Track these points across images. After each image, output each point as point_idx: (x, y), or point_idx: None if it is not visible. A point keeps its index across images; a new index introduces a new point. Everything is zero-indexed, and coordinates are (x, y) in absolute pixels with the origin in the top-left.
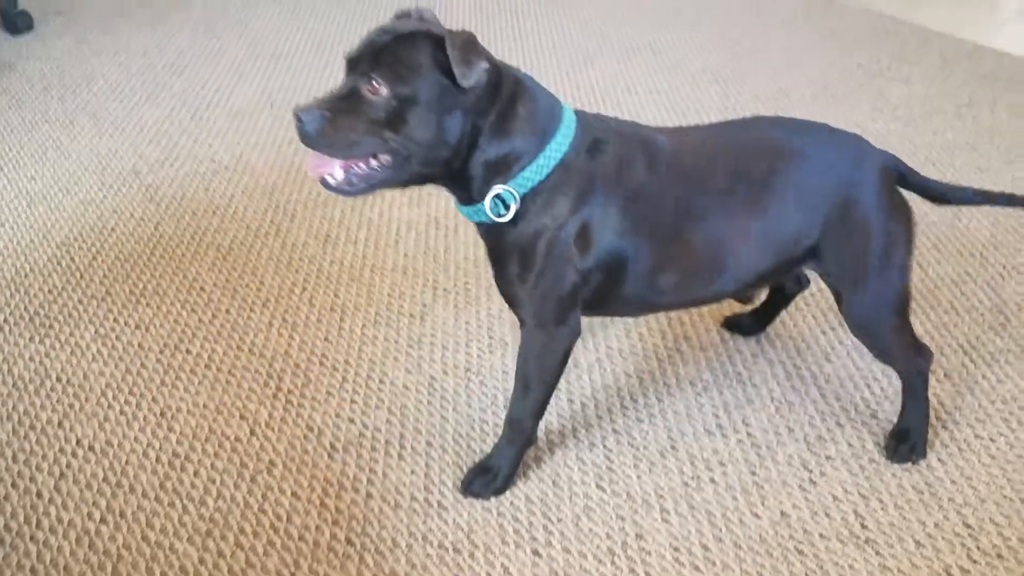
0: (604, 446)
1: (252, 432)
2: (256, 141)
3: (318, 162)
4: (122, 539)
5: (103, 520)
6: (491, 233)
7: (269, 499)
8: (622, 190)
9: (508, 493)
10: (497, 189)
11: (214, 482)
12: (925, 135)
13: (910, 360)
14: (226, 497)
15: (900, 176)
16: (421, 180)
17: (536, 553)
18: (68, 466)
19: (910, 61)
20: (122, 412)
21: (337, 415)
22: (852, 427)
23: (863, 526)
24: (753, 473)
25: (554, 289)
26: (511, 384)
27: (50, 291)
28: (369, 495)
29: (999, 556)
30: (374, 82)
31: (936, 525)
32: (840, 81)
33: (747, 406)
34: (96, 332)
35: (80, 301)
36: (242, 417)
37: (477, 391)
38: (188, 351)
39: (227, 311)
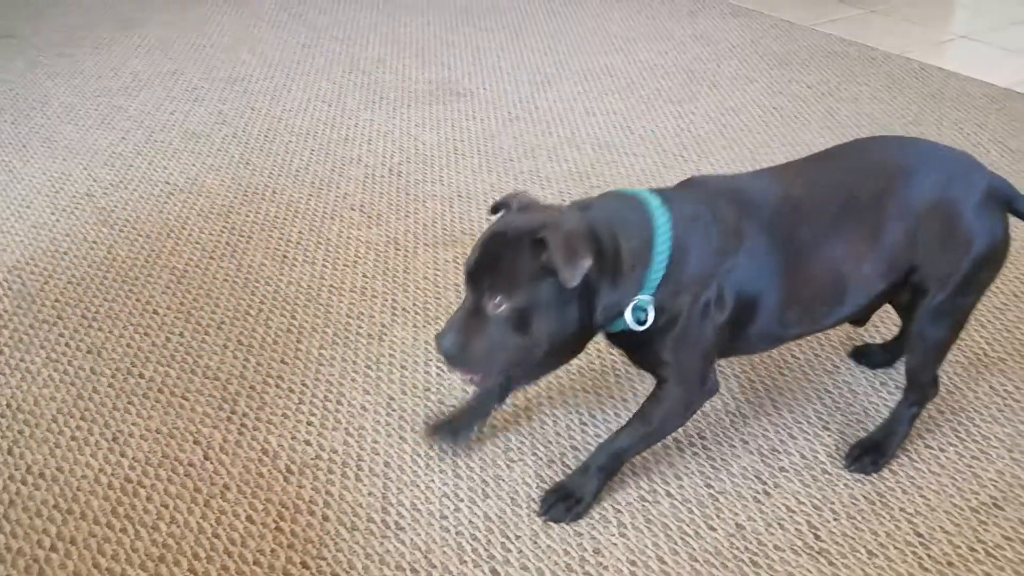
0: (563, 463)
1: (206, 456)
2: (211, 163)
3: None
4: (73, 566)
5: (53, 548)
6: (630, 335)
7: (223, 523)
8: (739, 245)
9: (467, 512)
10: (634, 301)
11: (167, 507)
12: None
13: (929, 385)
14: (179, 522)
15: (1007, 200)
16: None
17: (494, 572)
18: (18, 493)
19: (858, 81)
20: (73, 438)
21: (293, 437)
22: (804, 439)
23: (816, 537)
24: (708, 486)
25: (697, 347)
26: None
27: (0, 315)
28: (325, 517)
29: (950, 564)
30: (495, 299)
31: (888, 535)
32: (790, 101)
33: (702, 419)
34: (47, 357)
35: (31, 325)
36: (196, 441)
37: (436, 411)
38: (141, 375)
39: (181, 334)
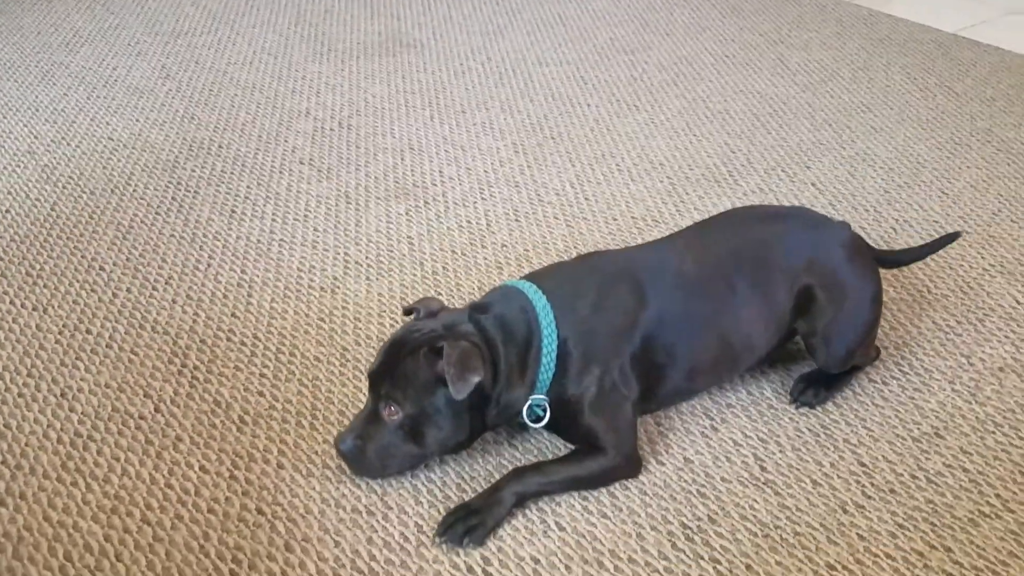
0: None
1: (157, 409)
2: (155, 118)
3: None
4: (23, 520)
5: (2, 503)
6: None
7: (176, 474)
8: (637, 323)
9: None
10: (528, 402)
11: (118, 460)
12: (823, 98)
13: (867, 356)
14: (131, 474)
15: (866, 248)
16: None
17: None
18: None
19: (809, 28)
20: (20, 394)
21: (246, 389)
22: (751, 376)
23: (762, 468)
24: (658, 424)
25: (620, 419)
26: None
27: None
28: (280, 465)
29: (892, 491)
30: (390, 406)
31: (832, 465)
32: (742, 49)
33: None
34: None
35: None
36: (146, 395)
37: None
38: (88, 331)
39: (128, 290)
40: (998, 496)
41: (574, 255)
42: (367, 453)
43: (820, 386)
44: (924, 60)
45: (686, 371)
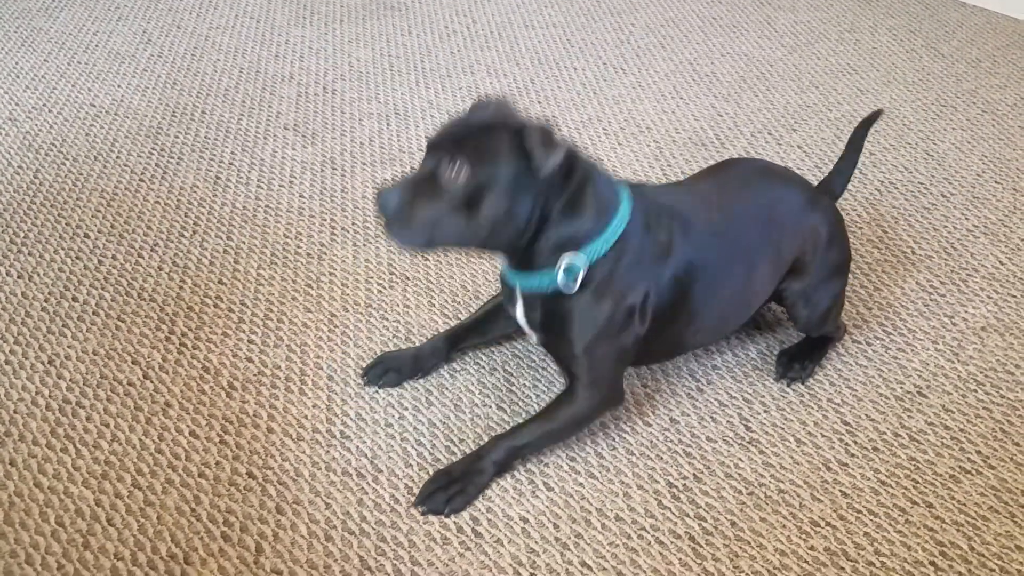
0: (504, 370)
1: (146, 376)
2: (137, 83)
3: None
4: (13, 487)
5: None
6: (547, 300)
7: (166, 439)
8: (672, 258)
9: (412, 419)
10: (568, 258)
11: (108, 426)
12: (809, 60)
13: (833, 331)
14: (121, 440)
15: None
16: (482, 249)
17: None
18: None
19: None
20: (7, 362)
21: (234, 355)
22: (736, 338)
23: (747, 428)
24: (644, 386)
25: (611, 353)
26: (413, 317)
27: None
28: (270, 429)
29: (875, 449)
30: (456, 164)
31: (816, 424)
32: (729, 11)
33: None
34: None
35: None
36: (134, 361)
37: (379, 325)
38: (75, 299)
39: (114, 257)
40: (979, 452)
41: None
42: (414, 214)
43: (804, 359)
44: (910, 21)
45: (696, 321)
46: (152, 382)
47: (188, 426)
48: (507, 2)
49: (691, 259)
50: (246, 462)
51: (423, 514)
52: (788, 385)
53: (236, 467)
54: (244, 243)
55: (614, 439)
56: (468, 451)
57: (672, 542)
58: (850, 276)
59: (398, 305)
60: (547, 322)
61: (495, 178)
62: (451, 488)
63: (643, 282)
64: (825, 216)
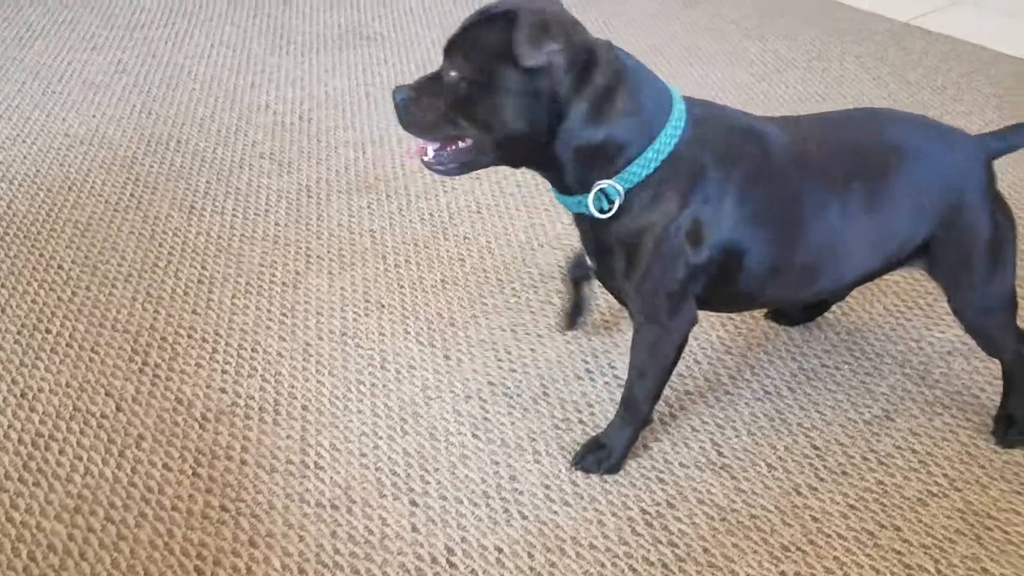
0: (479, 397)
1: (118, 408)
2: (112, 113)
3: (421, 140)
4: None
5: None
6: (595, 226)
7: (139, 472)
8: (736, 184)
9: (386, 448)
10: (602, 184)
11: (80, 459)
12: (778, 88)
13: (1015, 351)
14: (94, 473)
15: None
16: (508, 163)
17: (413, 503)
18: None
19: (766, 18)
20: None
21: (208, 386)
22: (708, 363)
23: (719, 453)
24: None
25: (663, 285)
26: (388, 345)
27: None
28: (244, 461)
29: (844, 473)
30: (453, 68)
31: (786, 448)
32: (707, 41)
33: (613, 350)
34: None
35: None
36: (107, 393)
37: (354, 354)
38: (48, 330)
39: (87, 288)
40: (945, 476)
41: (536, 247)
42: (418, 106)
43: (1017, 423)
44: (877, 49)
45: (767, 264)
46: (125, 414)
47: (161, 459)
48: None
49: (764, 190)
50: (219, 495)
51: (577, 470)
52: (1002, 447)
53: (209, 500)
54: (219, 272)
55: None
56: (443, 480)
57: (646, 570)
58: None
59: (373, 333)
60: (597, 249)
61: (484, 79)
62: (600, 451)
63: (693, 205)
64: (973, 180)
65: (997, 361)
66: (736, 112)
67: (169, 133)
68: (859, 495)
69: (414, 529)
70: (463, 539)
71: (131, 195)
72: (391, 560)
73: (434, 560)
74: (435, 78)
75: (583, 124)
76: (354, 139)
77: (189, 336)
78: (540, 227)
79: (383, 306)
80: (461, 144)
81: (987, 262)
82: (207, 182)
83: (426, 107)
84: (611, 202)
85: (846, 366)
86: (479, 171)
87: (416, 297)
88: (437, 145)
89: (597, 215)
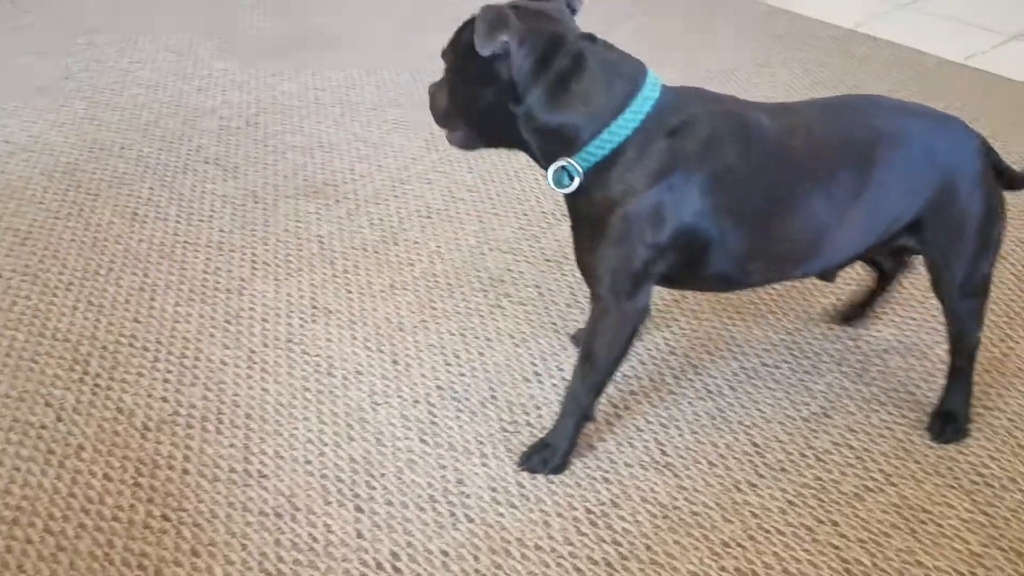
0: (427, 402)
1: (59, 418)
2: (55, 119)
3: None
4: None
5: None
6: (570, 201)
7: (79, 483)
8: (706, 171)
9: (332, 455)
10: (561, 162)
11: (19, 470)
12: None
13: (976, 341)
14: (33, 485)
15: (993, 162)
16: (494, 144)
17: (359, 509)
18: None
19: (712, 27)
20: None
21: (149, 395)
22: (653, 364)
23: (663, 452)
24: None
25: (625, 263)
26: (335, 351)
27: None
28: (185, 471)
29: (783, 470)
30: (444, 63)
31: (727, 446)
32: (649, 48)
33: (562, 353)
34: None
35: None
36: (47, 404)
37: (300, 360)
38: None
39: (27, 297)
40: (881, 471)
41: (487, 252)
42: (434, 99)
43: (955, 421)
44: (820, 55)
45: (741, 251)
46: (65, 424)
47: (102, 469)
48: (434, 36)
49: (736, 181)
50: (160, 504)
51: (525, 471)
52: (938, 442)
53: (150, 510)
54: (161, 280)
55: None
56: (389, 485)
57: (590, 568)
58: (768, 292)
59: (320, 339)
60: (572, 225)
61: (457, 67)
62: (545, 451)
63: (655, 190)
64: (966, 166)
65: (933, 358)
66: (728, 99)
67: (112, 139)
68: (798, 491)
69: (359, 535)
70: (408, 544)
71: (73, 202)
72: (335, 567)
73: (379, 566)
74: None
75: (539, 108)
76: (303, 143)
77: (131, 345)
78: (490, 231)
79: (330, 312)
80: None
81: (976, 244)
82: (150, 188)
83: (438, 100)
84: (571, 178)
85: (785, 365)
86: (430, 175)
87: (364, 302)
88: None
89: (557, 189)
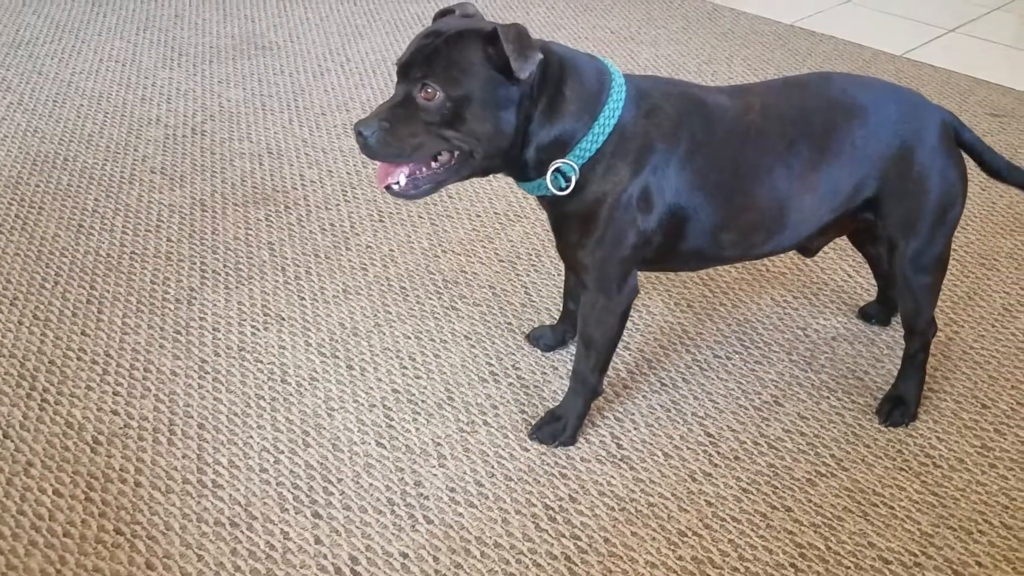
0: (384, 405)
1: (6, 435)
2: None
3: (384, 171)
4: None
5: None
6: (554, 204)
7: (28, 500)
8: (680, 150)
9: (288, 463)
10: (556, 163)
11: None
12: None
13: (928, 325)
14: None
15: (956, 133)
16: (483, 172)
17: (316, 515)
18: None
19: (657, 24)
20: None
21: (99, 408)
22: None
23: (619, 446)
24: (523, 412)
25: (616, 251)
26: (289, 358)
27: None
28: (138, 483)
29: (736, 458)
30: (428, 88)
31: (681, 437)
32: (595, 46)
33: (517, 352)
34: None
35: None
36: None
37: (252, 369)
38: None
39: None
40: (833, 456)
41: (440, 254)
42: (396, 135)
43: (903, 405)
44: (763, 51)
45: (715, 224)
46: (13, 441)
47: (52, 485)
48: (380, 40)
49: (704, 158)
50: (113, 518)
51: (535, 442)
52: (886, 425)
53: (103, 524)
54: (108, 292)
55: (493, 466)
56: (347, 490)
57: (549, 563)
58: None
59: (273, 347)
60: (555, 226)
61: (471, 94)
62: (555, 424)
63: (643, 174)
64: (924, 136)
65: (881, 344)
66: (683, 83)
67: (55, 151)
68: (751, 478)
69: (317, 541)
70: (367, 548)
71: (16, 216)
72: (294, 574)
73: (338, 571)
74: (403, 103)
75: (543, 122)
76: (250, 150)
77: (79, 358)
78: (443, 233)
79: (283, 319)
80: (435, 164)
81: (932, 220)
82: (95, 199)
83: (404, 134)
84: (567, 179)
85: (737, 356)
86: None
87: (317, 308)
88: (407, 171)
89: (557, 193)
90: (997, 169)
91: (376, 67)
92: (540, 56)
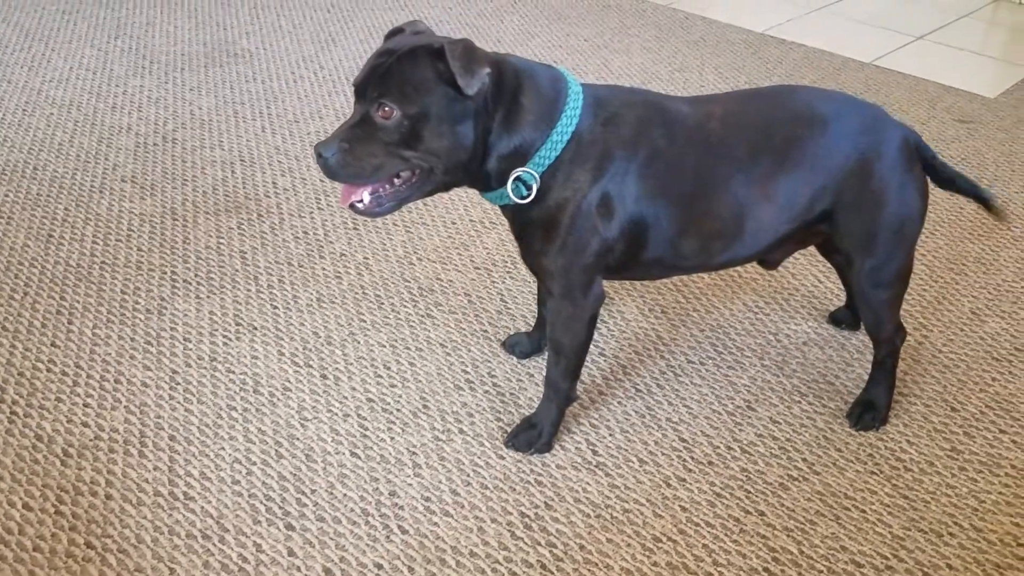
0: (358, 415)
1: None
2: None
3: (347, 190)
4: None
5: None
6: (517, 213)
7: None
8: (639, 157)
9: (260, 474)
10: (517, 172)
11: None
12: None
13: (895, 332)
14: None
15: (917, 150)
16: (445, 187)
17: (289, 527)
18: None
19: (630, 33)
20: None
21: (69, 420)
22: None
23: (594, 452)
24: (499, 419)
25: (579, 258)
26: (262, 368)
27: None
28: (108, 496)
29: (710, 463)
30: (385, 107)
31: (656, 443)
32: (568, 55)
33: (493, 359)
34: None
35: None
36: None
37: (224, 379)
38: None
39: None
40: (805, 460)
41: (415, 261)
42: (356, 155)
43: (874, 410)
44: (735, 59)
45: (674, 233)
46: None
47: (21, 498)
48: (354, 48)
49: (663, 167)
50: (84, 532)
51: (511, 450)
52: (856, 429)
53: (73, 538)
54: (79, 302)
55: (468, 474)
56: (321, 501)
57: (525, 571)
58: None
59: (245, 357)
60: (519, 234)
61: (427, 111)
62: (531, 431)
63: (602, 182)
64: (884, 150)
65: (851, 349)
66: (645, 92)
67: (25, 160)
68: (725, 483)
69: (291, 553)
70: (342, 559)
71: None
72: None
73: None
74: (361, 123)
75: (501, 133)
76: (222, 158)
77: (48, 370)
78: (418, 240)
79: (255, 328)
80: (398, 181)
81: (889, 235)
82: (65, 209)
83: (364, 154)
84: (528, 188)
85: (710, 361)
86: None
87: (291, 317)
88: (370, 189)
89: (519, 202)
90: (951, 180)
91: (349, 75)
92: (487, 71)
